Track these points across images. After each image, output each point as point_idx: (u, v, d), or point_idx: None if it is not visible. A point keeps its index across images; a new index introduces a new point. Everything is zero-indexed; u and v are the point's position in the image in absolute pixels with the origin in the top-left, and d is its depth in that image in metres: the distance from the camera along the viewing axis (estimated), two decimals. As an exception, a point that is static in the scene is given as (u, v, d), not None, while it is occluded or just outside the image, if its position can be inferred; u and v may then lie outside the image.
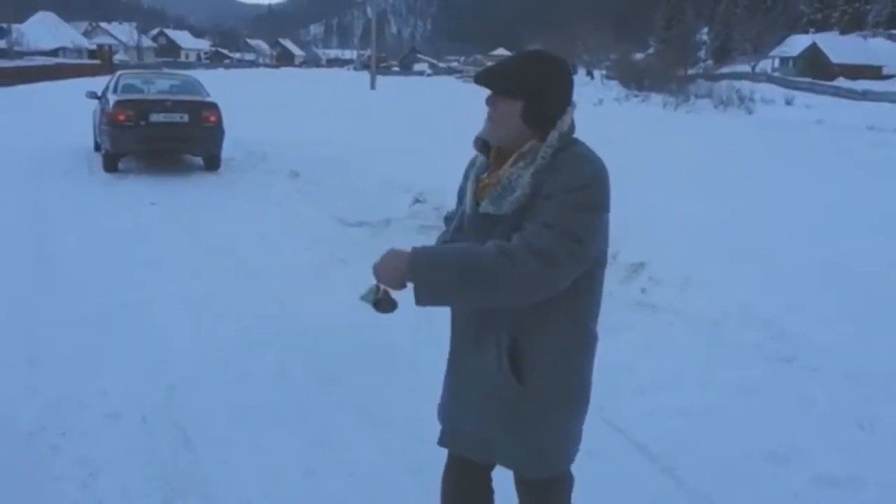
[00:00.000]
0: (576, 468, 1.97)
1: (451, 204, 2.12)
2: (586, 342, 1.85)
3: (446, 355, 2.03)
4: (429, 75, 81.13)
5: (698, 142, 14.96)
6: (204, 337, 4.28)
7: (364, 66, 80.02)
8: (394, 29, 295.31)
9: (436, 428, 2.03)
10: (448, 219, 2.06)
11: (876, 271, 5.13)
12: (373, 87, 37.13)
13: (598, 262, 1.76)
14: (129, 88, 10.56)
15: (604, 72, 54.10)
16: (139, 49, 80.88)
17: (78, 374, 3.71)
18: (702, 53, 68.72)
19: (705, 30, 74.21)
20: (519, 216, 1.69)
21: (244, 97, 20.10)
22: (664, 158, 10.85)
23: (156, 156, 10.70)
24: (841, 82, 50.06)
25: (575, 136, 1.77)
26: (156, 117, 9.75)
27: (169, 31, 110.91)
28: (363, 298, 1.78)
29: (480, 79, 1.78)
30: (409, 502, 2.76)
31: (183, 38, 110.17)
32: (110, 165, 9.95)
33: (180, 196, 8.56)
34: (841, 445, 3.07)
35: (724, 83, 43.58)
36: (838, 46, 60.77)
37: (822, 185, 9.13)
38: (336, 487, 2.83)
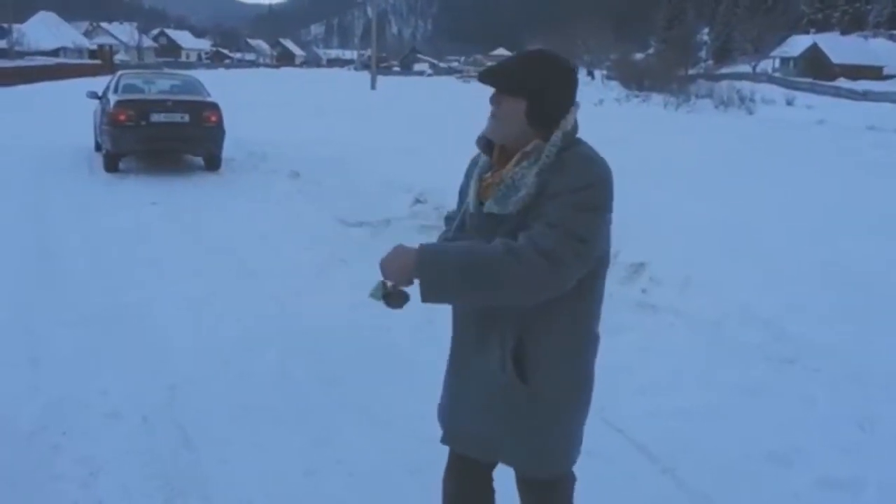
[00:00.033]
0: (576, 468, 1.97)
1: (451, 204, 2.12)
2: (589, 342, 1.85)
3: (446, 355, 2.03)
4: (429, 75, 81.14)
5: (699, 142, 14.96)
6: (204, 337, 4.29)
7: (364, 66, 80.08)
8: (394, 29, 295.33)
9: (436, 428, 2.03)
10: (449, 218, 2.06)
11: (876, 271, 5.14)
12: (373, 87, 37.16)
13: (601, 262, 1.76)
14: (129, 88, 10.56)
15: (604, 72, 54.07)
16: (140, 49, 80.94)
17: (79, 373, 3.71)
18: (702, 53, 68.73)
19: (706, 30, 74.22)
20: (523, 216, 1.69)
21: (245, 97, 20.11)
22: (665, 158, 10.85)
23: (156, 156, 10.70)
24: (842, 83, 50.04)
25: (578, 136, 1.77)
26: (156, 117, 9.75)
27: (170, 31, 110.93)
28: (372, 296, 1.77)
29: (485, 77, 1.78)
30: (409, 502, 2.76)
31: (183, 38, 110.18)
32: (111, 165, 9.96)
33: (181, 196, 8.56)
34: (842, 446, 3.07)
35: (724, 83, 43.54)
36: (839, 47, 60.77)
37: (823, 186, 9.14)
38: (336, 487, 2.83)
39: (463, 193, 1.97)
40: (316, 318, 4.54)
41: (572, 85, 1.78)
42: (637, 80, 47.18)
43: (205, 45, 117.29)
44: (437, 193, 6.98)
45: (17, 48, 51.22)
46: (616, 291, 4.38)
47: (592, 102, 29.87)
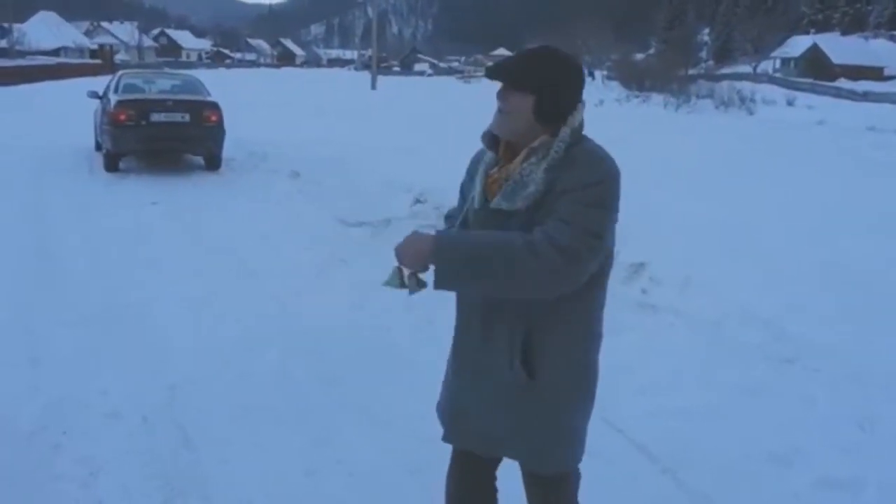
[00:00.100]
0: (577, 468, 1.97)
1: (451, 204, 2.12)
2: (594, 338, 1.86)
3: (446, 355, 2.03)
4: (429, 75, 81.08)
5: (699, 142, 14.96)
6: (205, 337, 4.29)
7: (365, 66, 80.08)
8: (395, 29, 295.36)
9: (436, 428, 2.03)
10: (449, 216, 2.06)
11: (876, 271, 5.14)
12: (373, 87, 37.16)
13: (606, 259, 1.77)
14: (130, 88, 10.56)
15: (605, 72, 54.05)
16: (140, 49, 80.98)
17: (79, 373, 3.71)
18: (703, 54, 68.73)
19: (706, 30, 74.27)
20: (532, 212, 1.69)
21: (245, 97, 20.11)
22: (665, 159, 10.85)
23: (157, 155, 10.70)
24: (842, 83, 50.05)
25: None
26: (157, 117, 9.75)
27: (170, 31, 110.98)
28: (387, 284, 1.76)
29: (493, 72, 1.78)
30: (409, 502, 2.76)
31: (184, 37, 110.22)
32: (111, 165, 9.96)
33: (181, 196, 8.56)
34: (842, 446, 3.07)
35: (725, 84, 43.53)
36: (839, 47, 60.80)
37: (823, 186, 9.14)
38: (336, 487, 2.83)
39: (464, 190, 1.97)
40: (316, 318, 4.54)
41: (579, 81, 1.78)
42: (637, 80, 47.15)
43: (205, 44, 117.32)
44: (438, 193, 6.98)
45: (17, 48, 51.23)
46: (616, 291, 4.36)
47: (593, 103, 29.82)
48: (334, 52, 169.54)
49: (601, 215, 1.66)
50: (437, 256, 1.64)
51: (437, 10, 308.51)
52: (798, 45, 61.31)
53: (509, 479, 2.06)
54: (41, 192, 8.57)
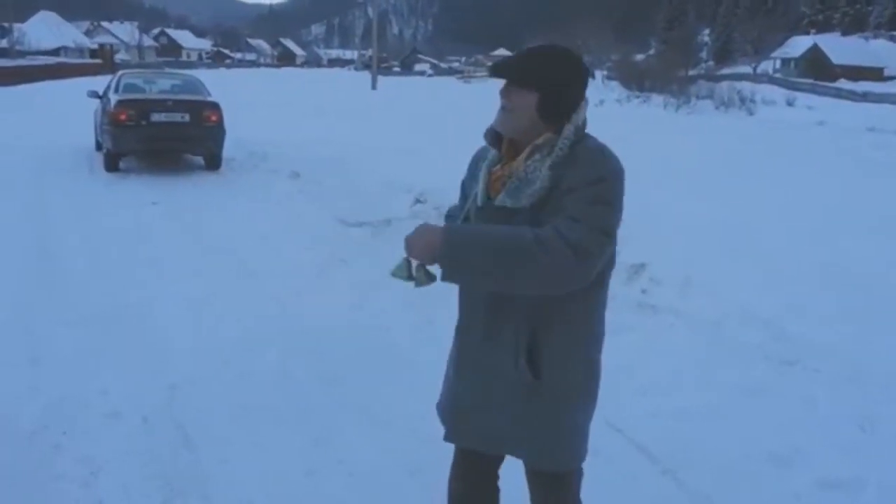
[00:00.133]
0: (577, 469, 1.97)
1: (451, 204, 2.12)
2: (597, 338, 1.87)
3: (446, 355, 2.03)
4: (430, 76, 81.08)
5: (699, 142, 14.97)
6: (205, 336, 4.29)
7: (365, 66, 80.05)
8: (395, 29, 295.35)
9: (436, 428, 2.03)
10: (450, 215, 2.06)
11: (876, 271, 5.14)
12: (374, 87, 37.17)
13: (609, 259, 1.77)
14: (130, 88, 10.56)
15: (605, 72, 54.03)
16: (141, 48, 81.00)
17: (79, 373, 3.71)
18: (703, 54, 68.70)
19: (706, 31, 74.26)
20: (537, 209, 1.69)
21: (245, 97, 20.12)
22: (665, 159, 10.85)
23: (157, 155, 10.70)
24: (842, 84, 50.06)
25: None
26: (157, 117, 9.74)
27: (170, 31, 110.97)
28: (394, 275, 1.76)
29: (497, 70, 1.78)
30: (409, 502, 2.77)
31: (184, 37, 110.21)
32: (111, 165, 9.96)
33: (181, 196, 8.57)
34: (842, 447, 3.07)
35: (725, 84, 43.52)
36: (839, 48, 60.81)
37: (823, 186, 9.15)
38: (337, 487, 2.83)
39: (466, 188, 1.97)
40: (316, 318, 4.54)
41: (583, 80, 1.79)
42: (637, 80, 47.14)
43: (205, 44, 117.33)
44: (438, 193, 6.98)
45: (17, 47, 51.23)
46: (617, 292, 4.37)
47: (593, 103, 29.48)
48: (334, 53, 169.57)
49: (608, 212, 1.66)
50: (447, 248, 1.63)
51: (438, 10, 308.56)
52: (798, 45, 61.30)
53: (510, 478, 2.06)
54: (41, 191, 8.57)
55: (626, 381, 3.54)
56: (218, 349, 4.08)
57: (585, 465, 1.96)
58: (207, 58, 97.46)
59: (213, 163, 10.34)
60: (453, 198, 2.04)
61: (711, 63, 67.09)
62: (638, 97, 42.01)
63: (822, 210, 7.44)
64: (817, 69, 56.47)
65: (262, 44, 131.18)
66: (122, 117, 9.53)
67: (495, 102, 1.80)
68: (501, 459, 2.04)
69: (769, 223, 6.67)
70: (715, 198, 7.76)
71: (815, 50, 60.11)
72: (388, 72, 74.52)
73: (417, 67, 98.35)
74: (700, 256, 5.29)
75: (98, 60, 55.55)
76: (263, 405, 3.44)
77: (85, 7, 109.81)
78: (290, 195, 8.43)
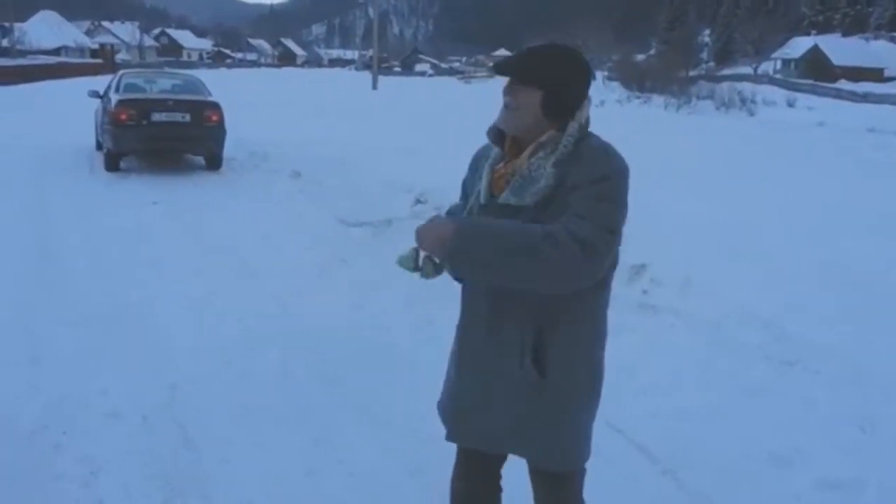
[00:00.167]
0: (577, 469, 1.97)
1: (451, 204, 2.12)
2: (601, 337, 1.87)
3: (447, 355, 2.02)
4: (430, 76, 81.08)
5: (700, 143, 14.97)
6: (205, 336, 4.29)
7: (366, 66, 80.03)
8: (396, 29, 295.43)
9: (436, 428, 2.03)
10: (451, 213, 2.06)
11: (876, 271, 5.14)
12: (374, 87, 37.18)
13: (614, 256, 1.77)
14: (131, 88, 10.57)
15: (605, 73, 54.06)
16: (141, 48, 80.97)
17: (80, 372, 3.71)
18: (704, 55, 68.71)
19: (707, 31, 74.24)
20: (541, 207, 1.69)
21: (246, 97, 20.11)
22: (665, 159, 10.84)
23: (157, 155, 10.70)
24: (843, 84, 50.04)
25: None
26: (158, 116, 9.75)
27: (171, 31, 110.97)
28: (400, 264, 1.75)
29: (501, 68, 1.78)
30: (409, 502, 2.77)
31: (185, 37, 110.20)
32: (112, 164, 9.96)
33: (182, 195, 8.57)
34: (842, 447, 3.07)
35: (725, 85, 43.56)
36: (840, 48, 60.76)
37: (823, 186, 9.15)
38: (337, 487, 2.83)
39: (467, 186, 1.97)
40: (317, 317, 4.54)
41: (587, 78, 1.79)
42: (638, 81, 47.16)
43: (206, 44, 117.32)
44: (438, 193, 6.98)
45: (18, 47, 51.23)
46: (617, 292, 4.34)
47: (594, 104, 29.66)
48: (335, 53, 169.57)
49: (613, 210, 1.66)
50: (458, 241, 1.61)
51: (439, 10, 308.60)
52: (799, 46, 61.27)
53: (512, 477, 2.06)
54: (42, 191, 8.57)
55: (626, 382, 3.54)
56: (218, 349, 4.08)
57: (585, 465, 1.96)
58: (208, 58, 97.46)
59: (214, 163, 10.35)
60: (454, 198, 2.04)
61: (712, 64, 67.12)
62: (638, 98, 42.03)
63: (822, 210, 7.43)
64: (818, 70, 56.45)
65: (262, 44, 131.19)
66: (123, 117, 9.53)
67: (496, 102, 1.80)
68: (504, 459, 2.04)
69: (769, 223, 6.67)
70: (715, 198, 7.76)
71: (815, 51, 60.08)
72: (388, 72, 74.53)
73: (418, 67, 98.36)
74: (700, 257, 5.29)
75: (99, 60, 55.58)
76: (264, 405, 3.45)
77: (86, 7, 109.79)
78: (291, 195, 8.43)
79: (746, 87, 43.00)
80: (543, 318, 1.76)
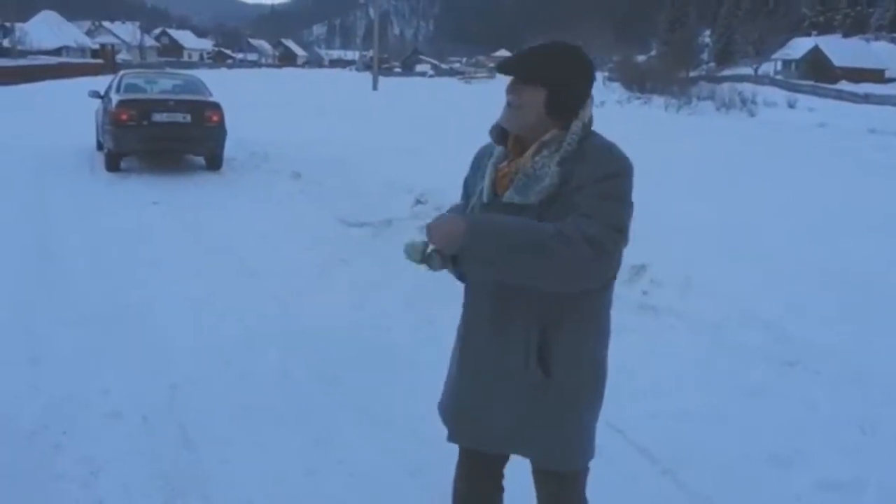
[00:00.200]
0: (577, 470, 1.97)
1: (451, 205, 2.12)
2: (605, 336, 1.87)
3: (446, 355, 2.02)
4: (430, 76, 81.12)
5: (700, 144, 14.97)
6: (205, 336, 4.29)
7: (366, 66, 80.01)
8: (396, 30, 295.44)
9: (437, 428, 2.03)
10: (453, 212, 2.06)
11: (876, 272, 5.13)
12: (375, 87, 37.19)
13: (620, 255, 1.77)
14: (131, 88, 10.57)
15: (606, 74, 54.08)
16: (142, 49, 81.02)
17: (80, 372, 3.71)
18: (704, 56, 68.71)
19: (708, 32, 74.24)
20: (546, 206, 1.69)
21: (247, 97, 20.11)
22: (665, 160, 10.84)
23: (158, 155, 10.70)
24: (843, 85, 50.05)
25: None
26: (158, 117, 9.75)
27: (172, 31, 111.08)
28: (407, 254, 1.73)
29: (505, 67, 1.78)
30: (409, 502, 2.76)
31: (186, 37, 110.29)
32: (112, 165, 9.96)
33: (182, 196, 8.57)
34: (843, 449, 3.06)
35: (726, 86, 43.57)
36: (840, 49, 60.77)
37: (823, 187, 9.14)
38: (337, 487, 2.83)
39: (468, 186, 1.96)
40: (317, 318, 4.54)
41: (590, 76, 1.80)
42: (639, 82, 47.18)
43: (207, 44, 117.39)
44: (439, 194, 6.98)
45: (19, 47, 51.30)
46: (618, 293, 4.33)
47: (595, 104, 29.80)
48: (336, 53, 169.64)
49: (619, 208, 1.67)
50: (470, 238, 1.60)
51: (439, 11, 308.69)
52: (799, 47, 61.29)
53: (515, 477, 2.06)
54: (42, 191, 8.58)
55: (626, 383, 3.53)
56: (218, 349, 4.08)
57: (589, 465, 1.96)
58: (209, 58, 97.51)
59: (215, 163, 10.35)
60: (454, 198, 2.04)
61: (712, 64, 67.10)
62: (639, 98, 42.04)
63: (822, 211, 7.43)
64: (818, 71, 56.46)
65: (263, 44, 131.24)
66: (124, 117, 9.54)
67: (496, 103, 1.81)
68: (506, 459, 2.03)
69: (770, 224, 6.67)
70: (716, 199, 7.76)
71: (816, 51, 60.09)
72: (389, 72, 74.55)
73: (418, 68, 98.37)
74: (701, 257, 5.28)
75: (99, 60, 55.62)
76: (264, 405, 3.44)
77: (86, 7, 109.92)
78: (291, 195, 8.43)
79: (747, 88, 43.00)
80: (548, 317, 1.75)
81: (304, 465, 2.96)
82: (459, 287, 1.96)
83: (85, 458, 2.94)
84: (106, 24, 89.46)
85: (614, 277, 1.83)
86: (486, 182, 1.83)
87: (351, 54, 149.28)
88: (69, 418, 3.24)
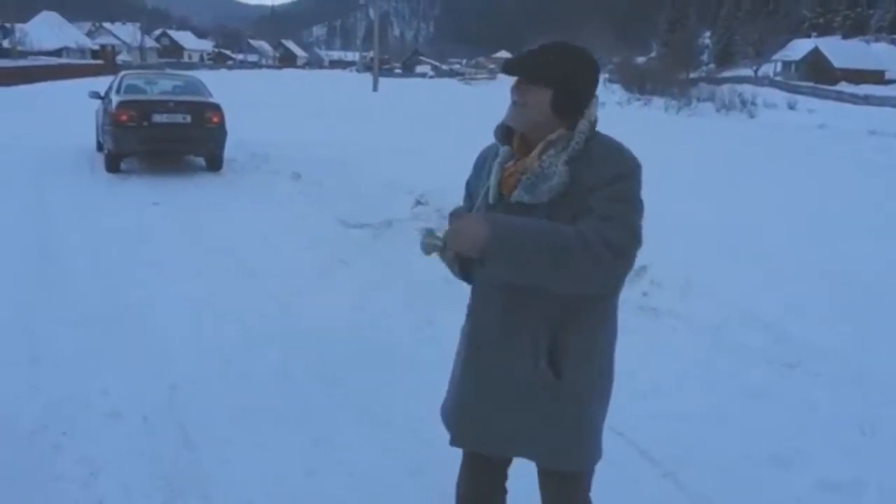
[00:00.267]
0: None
1: (453, 206, 2.11)
2: (614, 337, 1.88)
3: (446, 355, 2.02)
4: (431, 77, 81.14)
5: (700, 145, 14.98)
6: (205, 337, 4.29)
7: (367, 67, 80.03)
8: (396, 31, 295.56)
9: (437, 428, 2.02)
10: (454, 214, 2.05)
11: (876, 273, 5.14)
12: (375, 88, 37.21)
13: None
14: (132, 89, 10.58)
15: (606, 75, 54.12)
16: (142, 49, 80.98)
17: (80, 373, 3.71)
18: (704, 57, 68.74)
19: (708, 33, 74.29)
20: (555, 206, 1.69)
21: (247, 98, 20.13)
22: (665, 161, 10.84)
23: (158, 156, 10.70)
24: (843, 87, 50.07)
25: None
26: (158, 118, 9.75)
27: (172, 32, 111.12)
28: (423, 248, 1.71)
29: (511, 67, 1.78)
30: (409, 502, 2.76)
31: (186, 38, 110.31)
32: (113, 165, 9.96)
33: (182, 196, 8.57)
34: (842, 449, 3.06)
35: (726, 87, 43.63)
36: (840, 51, 60.80)
37: (824, 188, 9.16)
38: (337, 488, 2.83)
39: (471, 187, 1.96)
40: (317, 318, 4.54)
41: (595, 76, 1.80)
42: (639, 83, 47.23)
43: (207, 45, 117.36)
44: (439, 195, 6.98)
45: (19, 48, 51.35)
46: (617, 294, 4.38)
47: (594, 105, 29.81)
48: (336, 54, 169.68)
49: (632, 210, 1.68)
50: (493, 241, 1.59)
51: (439, 12, 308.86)
52: (799, 48, 61.31)
53: (518, 478, 2.06)
54: (43, 191, 8.58)
55: (627, 384, 3.52)
56: (218, 349, 4.07)
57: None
58: (209, 59, 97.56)
59: (215, 164, 10.35)
60: (454, 199, 2.04)
61: (712, 66, 67.14)
62: (639, 100, 42.07)
63: (822, 212, 7.44)
64: (818, 72, 56.48)
65: (263, 45, 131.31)
66: (124, 118, 9.54)
67: (496, 103, 1.81)
68: (510, 461, 2.03)
69: (770, 225, 6.67)
70: (716, 200, 7.76)
71: (816, 53, 60.11)
72: (389, 73, 74.59)
73: (419, 69, 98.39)
74: (701, 259, 5.28)
75: (100, 61, 55.65)
76: (264, 405, 3.44)
77: (87, 8, 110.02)
78: (292, 196, 8.43)
79: (747, 90, 43.07)
80: (558, 318, 1.75)
81: (304, 466, 2.95)
82: (459, 287, 1.96)
83: (85, 458, 2.93)
84: (106, 24, 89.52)
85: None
86: (493, 182, 1.82)
87: (351, 55, 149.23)
88: (69, 418, 3.24)
